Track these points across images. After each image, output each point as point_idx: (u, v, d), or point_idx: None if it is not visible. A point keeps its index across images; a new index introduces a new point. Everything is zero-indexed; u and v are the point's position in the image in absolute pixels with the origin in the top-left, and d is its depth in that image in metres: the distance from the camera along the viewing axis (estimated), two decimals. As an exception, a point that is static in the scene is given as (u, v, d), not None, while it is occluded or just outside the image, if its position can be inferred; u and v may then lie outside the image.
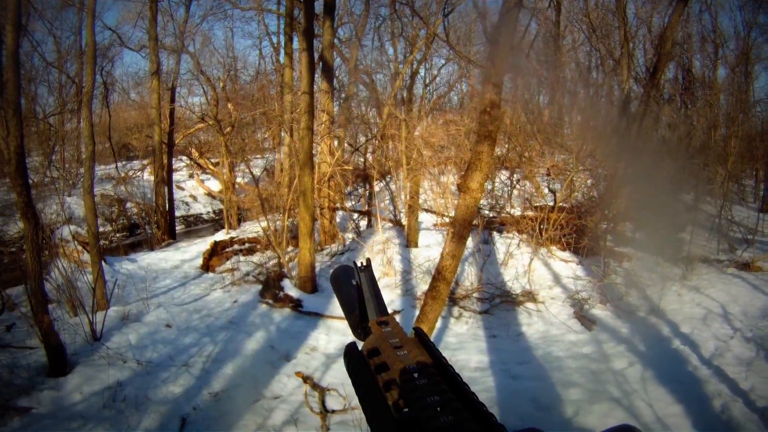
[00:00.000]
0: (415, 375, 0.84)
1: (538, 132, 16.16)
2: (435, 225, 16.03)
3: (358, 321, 1.14)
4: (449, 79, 21.33)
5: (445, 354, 6.65)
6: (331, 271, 1.34)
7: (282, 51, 24.16)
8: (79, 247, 15.23)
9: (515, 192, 16.38)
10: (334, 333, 10.74)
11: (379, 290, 1.14)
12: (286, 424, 8.27)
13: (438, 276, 8.21)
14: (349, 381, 1.00)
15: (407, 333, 1.00)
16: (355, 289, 1.16)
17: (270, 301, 12.41)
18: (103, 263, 12.87)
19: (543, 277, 12.25)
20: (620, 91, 15.47)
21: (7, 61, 9.15)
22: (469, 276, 12.33)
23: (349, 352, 1.01)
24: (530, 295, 11.41)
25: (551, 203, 14.20)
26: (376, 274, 12.69)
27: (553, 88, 17.36)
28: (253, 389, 8.84)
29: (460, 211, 8.11)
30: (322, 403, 8.35)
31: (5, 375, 8.77)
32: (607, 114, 16.34)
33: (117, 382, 8.77)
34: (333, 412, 8.33)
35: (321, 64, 16.80)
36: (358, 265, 1.14)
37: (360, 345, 1.04)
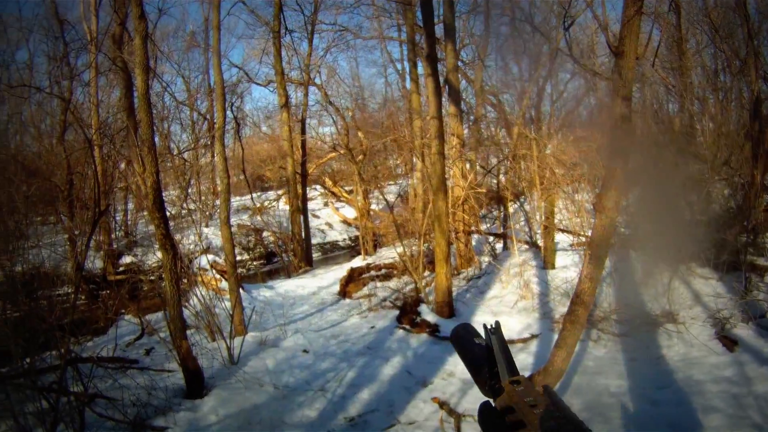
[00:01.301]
0: None
1: (671, 142, 15.78)
2: (572, 245, 15.78)
3: (487, 379, 1.20)
4: (576, 94, 21.20)
5: (584, 378, 6.80)
6: (452, 329, 1.42)
7: (407, 77, 24.40)
8: (217, 276, 15.81)
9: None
10: (472, 358, 10.64)
11: (509, 350, 1.20)
12: (421, 450, 8.42)
13: (576, 300, 8.14)
14: None
15: (535, 385, 1.14)
16: (480, 348, 1.25)
17: (407, 327, 12.56)
18: (241, 291, 13.49)
19: (682, 296, 11.75)
20: (750, 92, 14.88)
21: (139, 102, 9.62)
22: (607, 297, 12.02)
23: (485, 410, 1.13)
24: (670, 316, 10.96)
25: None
26: (514, 297, 12.74)
27: (681, 95, 16.93)
28: (389, 414, 8.92)
29: (597, 232, 8.04)
30: (458, 429, 8.32)
31: (143, 396, 9.22)
32: (739, 118, 15.82)
33: (253, 406, 9.14)
34: (469, 438, 8.35)
35: (447, 87, 16.82)
36: (488, 327, 1.22)
37: (492, 403, 1.15)
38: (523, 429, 0.98)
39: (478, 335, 1.32)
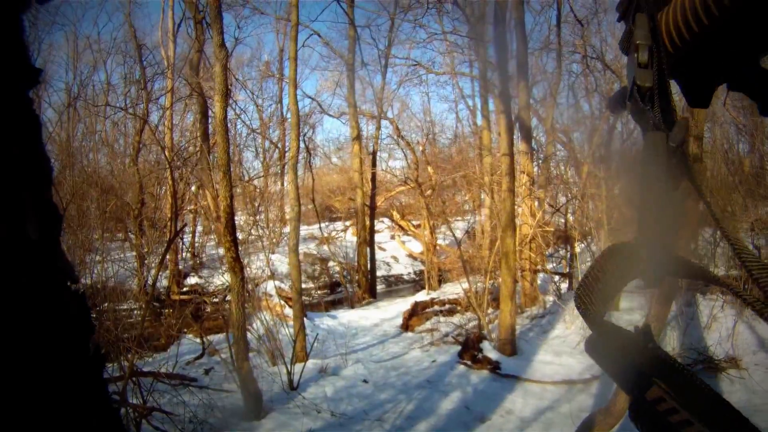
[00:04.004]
0: None
1: (740, 184, 15.58)
2: (638, 288, 15.57)
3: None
4: (647, 133, 20.83)
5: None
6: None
7: (478, 113, 24.52)
8: (282, 302, 16.09)
9: (719, 250, 15.70)
10: (531, 397, 10.67)
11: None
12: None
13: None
14: None
15: None
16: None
17: (468, 362, 12.55)
18: (304, 318, 13.66)
19: (747, 341, 11.44)
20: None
21: (217, 128, 9.92)
22: (671, 340, 11.78)
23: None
24: (733, 361, 10.76)
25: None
26: (576, 338, 12.70)
27: (752, 135, 16.75)
28: (444, 449, 8.89)
29: (667, 273, 8.00)
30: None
31: (200, 413, 9.41)
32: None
33: (309, 431, 9.27)
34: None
35: (518, 124, 16.92)
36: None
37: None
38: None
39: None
